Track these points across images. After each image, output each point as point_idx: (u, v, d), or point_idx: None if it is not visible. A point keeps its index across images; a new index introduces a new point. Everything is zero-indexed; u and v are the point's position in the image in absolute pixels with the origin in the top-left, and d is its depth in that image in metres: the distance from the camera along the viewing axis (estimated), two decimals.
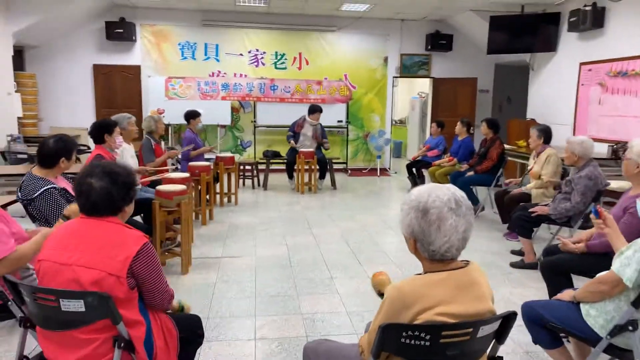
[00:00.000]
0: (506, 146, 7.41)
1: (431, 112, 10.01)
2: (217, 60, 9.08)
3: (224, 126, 9.14)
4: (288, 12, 8.90)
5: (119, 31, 8.42)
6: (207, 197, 5.63)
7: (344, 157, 9.50)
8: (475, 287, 1.44)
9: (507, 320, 1.49)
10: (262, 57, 9.21)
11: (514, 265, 4.16)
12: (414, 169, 7.45)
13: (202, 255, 4.32)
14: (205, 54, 9.03)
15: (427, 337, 1.36)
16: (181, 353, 1.95)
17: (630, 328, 1.81)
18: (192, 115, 6.20)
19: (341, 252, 4.47)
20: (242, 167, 7.83)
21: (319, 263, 4.16)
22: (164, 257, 3.95)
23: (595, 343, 1.94)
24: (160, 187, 3.87)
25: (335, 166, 9.10)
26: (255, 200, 6.76)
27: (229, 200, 6.55)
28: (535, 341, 2.24)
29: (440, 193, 1.43)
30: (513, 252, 4.52)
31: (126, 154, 4.33)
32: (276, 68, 9.27)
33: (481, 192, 6.24)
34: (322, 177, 7.62)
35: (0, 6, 6.87)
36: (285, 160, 7.51)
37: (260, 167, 7.96)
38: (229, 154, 6.50)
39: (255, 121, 9.08)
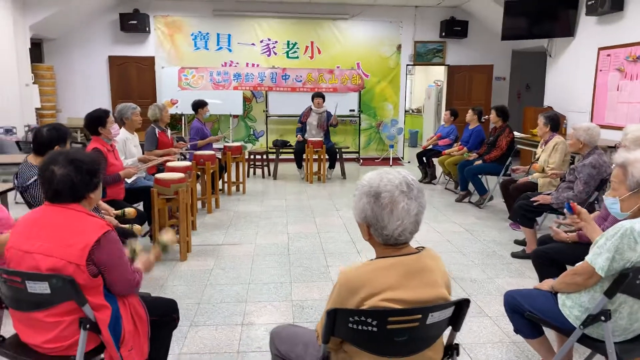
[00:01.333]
0: (522, 135, 7.25)
1: (446, 100, 9.84)
2: (230, 51, 9.12)
3: (236, 116, 9.19)
4: (299, 1, 8.85)
5: (133, 23, 8.53)
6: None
7: (355, 146, 9.45)
8: (426, 273, 1.41)
9: (461, 307, 1.46)
10: (274, 47, 9.21)
11: (515, 255, 4.08)
12: (424, 158, 7.36)
13: (203, 242, 4.39)
14: (218, 44, 9.08)
15: (374, 322, 1.35)
16: (154, 336, 1.99)
17: (603, 318, 1.76)
18: (199, 105, 6.26)
19: (341, 240, 4.47)
20: (252, 157, 7.88)
21: (316, 251, 4.17)
22: None
23: (570, 333, 1.89)
24: (159, 175, 3.94)
25: (348, 156, 9.10)
26: (263, 190, 6.80)
27: (237, 189, 6.61)
28: (516, 330, 2.20)
29: (391, 177, 1.41)
30: (517, 242, 4.43)
31: (129, 144, 4.41)
32: (288, 57, 9.26)
33: (492, 181, 6.12)
34: (331, 166, 7.60)
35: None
36: (294, 150, 7.51)
37: (271, 156, 7.99)
38: (236, 144, 6.54)
39: (267, 111, 9.10)
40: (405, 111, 13.47)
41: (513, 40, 8.28)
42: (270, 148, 8.33)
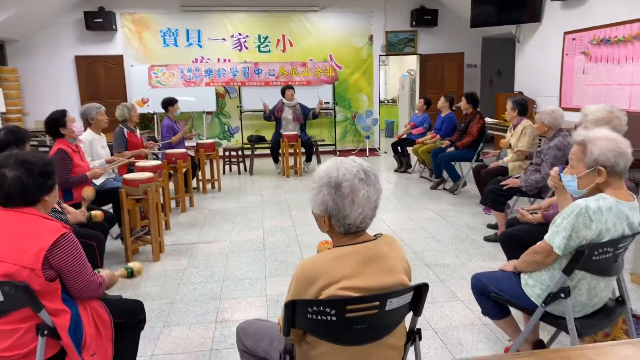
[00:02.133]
0: (494, 121, 7.34)
1: (419, 89, 9.90)
2: (200, 47, 8.99)
3: (209, 113, 9.08)
4: None
5: (99, 21, 8.34)
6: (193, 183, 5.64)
7: (332, 138, 9.44)
8: (382, 260, 1.42)
9: (420, 292, 1.47)
10: (245, 41, 9.11)
11: (487, 239, 4.14)
12: (399, 148, 7.40)
13: (177, 241, 4.33)
14: (188, 40, 8.94)
15: (333, 311, 1.34)
16: (120, 339, 1.95)
17: (562, 295, 1.80)
18: (169, 103, 6.16)
19: (317, 232, 4.41)
20: (227, 153, 7.81)
21: (292, 245, 4.16)
22: (136, 245, 3.96)
23: (533, 312, 1.93)
24: (127, 176, 3.86)
25: (324, 148, 9.09)
26: (239, 186, 6.75)
27: (213, 187, 6.54)
28: (483, 312, 2.23)
29: (348, 166, 1.40)
30: (489, 226, 4.50)
31: (96, 145, 4.31)
32: (260, 51, 9.17)
33: (466, 168, 6.19)
34: (308, 159, 7.59)
35: None
36: (270, 145, 7.47)
37: (246, 152, 7.93)
38: (209, 141, 6.47)
39: (240, 106, 9.02)
40: (381, 102, 13.52)
41: (482, 27, 8.36)
42: (245, 144, 8.26)
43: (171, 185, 5.63)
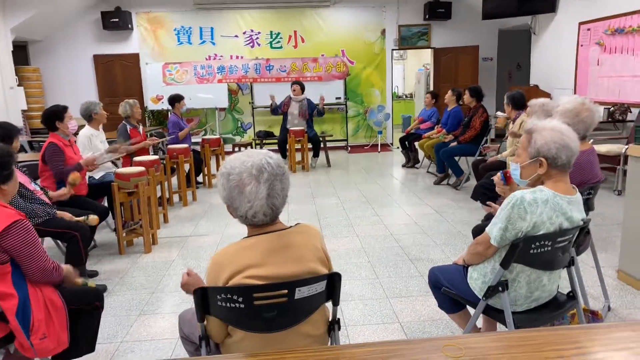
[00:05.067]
0: (505, 115, 7.16)
1: (433, 83, 9.76)
2: (213, 44, 9.12)
3: (222, 109, 9.22)
4: None
5: (115, 20, 8.58)
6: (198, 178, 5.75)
7: (343, 134, 9.43)
8: (292, 249, 1.43)
9: (334, 281, 1.47)
10: (257, 38, 9.19)
11: None
12: (406, 142, 7.33)
13: (171, 234, 4.44)
14: (201, 38, 9.09)
15: (240, 299, 1.37)
16: (77, 324, 2.03)
17: (500, 289, 1.76)
18: (175, 99, 6.28)
19: None
20: (237, 149, 7.92)
21: None
22: (129, 237, 4.09)
23: (476, 305, 1.90)
24: (119, 170, 3.99)
25: (336, 144, 9.10)
26: None
27: None
28: (439, 306, 2.21)
29: (246, 159, 1.42)
30: None
31: (95, 140, 4.46)
32: (272, 48, 9.24)
33: (470, 162, 6.08)
34: (316, 155, 7.61)
35: None
36: (277, 140, 7.53)
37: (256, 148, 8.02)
38: (214, 136, 6.58)
39: (253, 102, 9.11)
40: (399, 96, 13.42)
41: (494, 19, 8.17)
42: (255, 139, 8.35)
43: (175, 179, 5.76)
